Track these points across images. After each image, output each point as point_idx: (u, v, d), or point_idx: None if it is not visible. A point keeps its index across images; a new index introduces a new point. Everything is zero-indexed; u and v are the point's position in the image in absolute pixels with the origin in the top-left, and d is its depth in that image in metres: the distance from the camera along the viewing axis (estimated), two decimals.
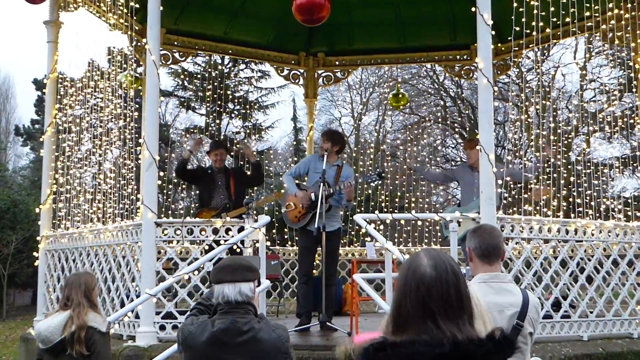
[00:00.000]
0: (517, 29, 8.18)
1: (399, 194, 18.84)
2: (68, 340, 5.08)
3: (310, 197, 8.85)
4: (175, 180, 14.19)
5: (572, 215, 9.13)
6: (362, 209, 15.69)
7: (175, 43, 12.05)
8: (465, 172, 9.96)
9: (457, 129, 31.83)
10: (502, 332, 2.36)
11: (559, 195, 8.67)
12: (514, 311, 3.93)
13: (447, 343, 2.26)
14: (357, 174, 9.85)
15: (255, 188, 16.90)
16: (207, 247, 7.94)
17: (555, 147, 9.25)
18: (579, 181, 9.88)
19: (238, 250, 7.90)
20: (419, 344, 2.27)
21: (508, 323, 3.91)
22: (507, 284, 4.08)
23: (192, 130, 31.92)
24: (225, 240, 7.71)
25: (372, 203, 17.15)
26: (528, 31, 8.24)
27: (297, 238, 9.60)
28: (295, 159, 27.24)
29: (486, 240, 4.07)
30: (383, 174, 9.19)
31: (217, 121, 30.05)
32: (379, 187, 17.83)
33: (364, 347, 2.41)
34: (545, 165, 9.34)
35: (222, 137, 29.12)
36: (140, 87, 11.41)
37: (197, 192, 11.13)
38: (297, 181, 9.33)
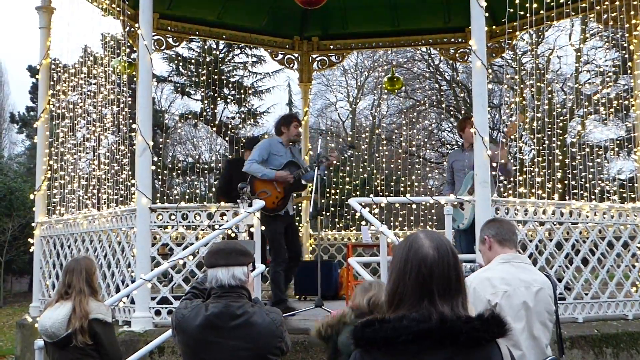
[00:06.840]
0: (512, 11, 8.14)
1: (394, 178, 18.82)
2: (73, 333, 5.09)
3: (294, 177, 8.74)
4: (170, 166, 14.09)
5: (567, 198, 9.13)
6: (358, 193, 15.68)
7: (169, 28, 11.97)
8: (456, 155, 9.57)
9: (452, 112, 31.77)
10: (492, 312, 2.38)
11: (554, 177, 8.68)
12: (539, 287, 4.18)
13: (434, 319, 2.29)
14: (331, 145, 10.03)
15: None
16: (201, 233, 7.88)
17: (550, 130, 9.23)
18: (574, 163, 9.87)
19: (233, 235, 7.87)
20: (406, 319, 2.29)
21: (535, 298, 4.14)
22: (528, 264, 4.37)
23: (187, 115, 31.84)
24: (220, 225, 7.67)
25: (368, 187, 17.15)
26: (522, 13, 8.19)
27: (264, 226, 8.22)
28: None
29: (505, 226, 4.42)
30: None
31: (213, 106, 30.01)
32: (375, 172, 17.80)
33: (354, 325, 2.43)
34: (540, 147, 9.33)
35: (217, 122, 29.02)
36: (134, 73, 11.34)
37: None
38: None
